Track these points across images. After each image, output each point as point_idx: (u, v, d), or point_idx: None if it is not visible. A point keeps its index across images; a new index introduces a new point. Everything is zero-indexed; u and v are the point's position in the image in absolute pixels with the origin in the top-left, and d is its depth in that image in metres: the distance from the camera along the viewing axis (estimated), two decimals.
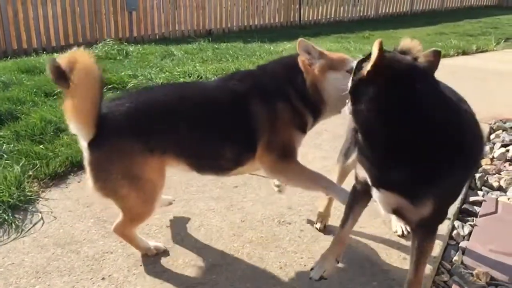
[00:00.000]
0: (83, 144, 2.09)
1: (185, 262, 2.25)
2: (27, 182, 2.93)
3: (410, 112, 1.54)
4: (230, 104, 2.21)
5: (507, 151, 3.51)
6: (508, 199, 2.89)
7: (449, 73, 6.41)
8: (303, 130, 2.31)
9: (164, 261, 2.26)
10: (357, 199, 1.99)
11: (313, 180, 2.26)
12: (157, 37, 10.31)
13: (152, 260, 2.26)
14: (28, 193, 2.82)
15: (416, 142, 1.57)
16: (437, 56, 1.71)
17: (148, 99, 2.22)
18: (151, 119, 2.10)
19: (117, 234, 2.27)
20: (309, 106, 2.27)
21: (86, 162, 2.10)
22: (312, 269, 2.03)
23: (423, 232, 1.82)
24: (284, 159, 2.23)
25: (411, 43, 1.78)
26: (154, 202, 2.16)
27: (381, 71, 1.52)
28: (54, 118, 3.80)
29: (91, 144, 2.05)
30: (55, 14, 8.82)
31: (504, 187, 3.04)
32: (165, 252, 2.33)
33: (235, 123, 2.20)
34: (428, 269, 2.20)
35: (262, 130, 2.19)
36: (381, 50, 1.51)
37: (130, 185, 2.07)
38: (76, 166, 3.18)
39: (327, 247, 2.31)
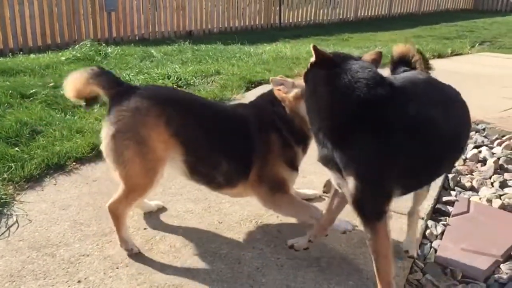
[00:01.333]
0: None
1: (162, 264, 2.25)
2: (2, 185, 2.89)
3: (329, 91, 1.80)
4: (236, 123, 2.43)
5: (479, 152, 3.60)
6: (480, 199, 2.97)
7: None
8: (294, 166, 2.49)
9: (141, 263, 2.26)
10: None
11: (304, 211, 2.45)
12: (137, 38, 10.25)
13: (128, 262, 2.26)
14: (3, 196, 2.78)
15: (338, 118, 1.77)
16: (379, 55, 2.01)
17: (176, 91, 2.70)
18: (176, 103, 2.35)
19: (110, 213, 2.31)
20: (296, 136, 2.44)
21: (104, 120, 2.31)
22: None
23: (362, 223, 1.84)
24: (276, 193, 2.41)
25: (404, 48, 1.92)
26: (154, 175, 2.25)
27: (317, 61, 1.86)
28: (30, 120, 3.76)
29: (114, 98, 2.27)
30: (32, 14, 8.70)
31: (476, 187, 3.12)
32: (138, 255, 2.33)
33: (236, 142, 2.40)
34: (402, 267, 2.26)
35: (257, 156, 2.38)
36: (315, 48, 1.85)
37: (135, 148, 2.19)
38: (52, 169, 3.15)
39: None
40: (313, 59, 1.88)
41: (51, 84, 4.77)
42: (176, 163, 2.35)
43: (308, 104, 1.96)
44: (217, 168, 2.36)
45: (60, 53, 6.56)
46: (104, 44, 7.39)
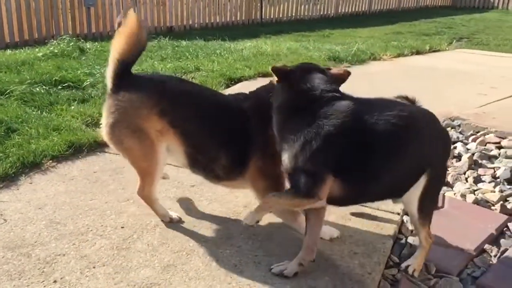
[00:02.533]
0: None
1: (139, 263, 2.24)
2: None
3: (284, 96, 2.19)
4: (235, 115, 2.42)
5: (455, 148, 3.67)
6: (454, 194, 3.03)
7: (404, 71, 6.63)
8: None
9: (117, 262, 2.25)
10: None
11: (293, 216, 2.45)
12: None
13: (105, 261, 2.25)
14: None
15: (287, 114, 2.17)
16: (346, 74, 2.22)
17: (174, 81, 2.68)
18: (173, 95, 2.41)
19: (140, 198, 2.54)
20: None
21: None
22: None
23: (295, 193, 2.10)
24: (273, 188, 2.32)
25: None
26: (154, 159, 2.40)
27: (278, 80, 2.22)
28: (5, 118, 3.70)
29: (112, 90, 2.40)
30: (9, 9, 8.52)
31: (451, 183, 3.18)
32: (180, 221, 2.58)
33: (235, 135, 2.40)
34: (377, 262, 2.30)
35: (256, 149, 2.36)
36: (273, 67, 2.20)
37: (132, 136, 2.36)
38: (27, 167, 3.11)
39: (282, 244, 2.43)
40: (275, 79, 2.22)
41: (28, 80, 4.69)
42: (177, 154, 2.45)
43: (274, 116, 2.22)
44: (216, 161, 2.41)
45: (37, 49, 6.44)
46: (83, 40, 7.27)
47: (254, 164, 2.37)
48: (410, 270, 2.29)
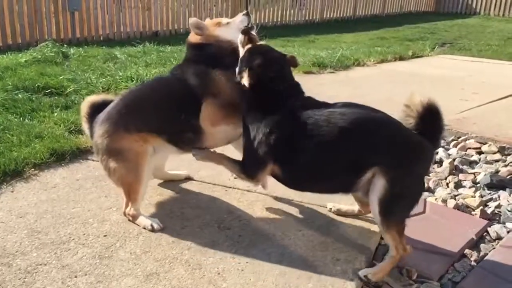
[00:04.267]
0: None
1: (121, 272, 2.23)
2: None
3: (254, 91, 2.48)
4: (177, 85, 2.71)
5: (436, 153, 3.72)
6: (436, 199, 3.07)
7: (387, 77, 6.71)
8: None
9: (100, 271, 2.23)
10: None
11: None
12: (102, 38, 10.06)
13: (87, 271, 2.23)
14: None
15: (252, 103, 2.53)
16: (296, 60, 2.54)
17: (126, 96, 2.82)
18: (127, 110, 2.66)
19: (126, 216, 2.67)
20: (228, 60, 2.64)
21: None
22: None
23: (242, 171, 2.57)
24: (227, 116, 2.66)
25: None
26: (138, 171, 2.58)
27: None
28: None
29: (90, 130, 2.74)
30: None
31: (432, 188, 3.22)
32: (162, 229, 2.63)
33: (189, 102, 2.64)
34: (359, 268, 2.32)
35: (202, 93, 2.63)
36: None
37: (116, 159, 2.59)
38: (9, 175, 3.07)
39: (265, 250, 2.44)
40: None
41: (10, 87, 4.64)
42: (161, 146, 2.69)
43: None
44: (185, 128, 2.65)
45: (20, 55, 6.38)
46: (66, 45, 7.24)
47: (204, 111, 2.63)
48: (361, 273, 2.26)
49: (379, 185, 2.19)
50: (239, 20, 2.81)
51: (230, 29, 2.77)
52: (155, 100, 2.73)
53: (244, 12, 2.86)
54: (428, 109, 2.28)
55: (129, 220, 2.65)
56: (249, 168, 2.48)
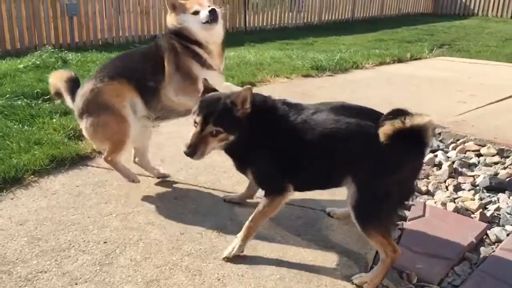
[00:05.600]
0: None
1: (122, 279, 2.24)
2: None
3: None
4: (154, 51, 3.14)
5: (435, 156, 3.73)
6: (435, 202, 3.07)
7: (385, 79, 6.72)
8: (202, 62, 3.10)
9: (100, 278, 2.24)
10: None
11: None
12: (100, 43, 10.09)
13: (88, 278, 2.23)
14: None
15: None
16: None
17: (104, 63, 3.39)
18: (104, 67, 3.16)
19: (106, 162, 3.06)
20: (189, 41, 3.09)
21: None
22: None
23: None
24: (185, 86, 3.06)
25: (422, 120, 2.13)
26: (125, 123, 2.95)
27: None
28: None
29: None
30: None
31: (431, 191, 3.22)
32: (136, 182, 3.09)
33: (155, 61, 3.07)
34: (359, 272, 2.32)
35: (169, 65, 3.06)
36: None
37: (102, 114, 2.93)
38: (9, 183, 3.08)
39: (266, 256, 2.45)
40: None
41: (9, 93, 4.64)
42: (134, 100, 3.01)
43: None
44: (156, 89, 3.04)
45: (18, 60, 6.38)
46: (65, 50, 7.24)
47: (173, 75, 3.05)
48: (354, 280, 2.27)
49: (351, 192, 2.25)
50: (203, 16, 3.07)
51: (193, 19, 3.09)
52: (128, 55, 3.30)
53: (210, 8, 3.07)
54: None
55: (110, 165, 3.06)
56: (276, 192, 2.44)
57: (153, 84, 3.04)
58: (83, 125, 2.99)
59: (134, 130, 3.00)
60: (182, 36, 3.10)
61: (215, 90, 2.48)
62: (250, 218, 2.45)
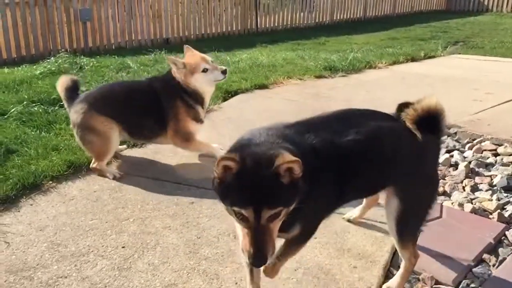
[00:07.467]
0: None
1: (140, 283, 2.26)
2: None
3: None
4: (150, 95, 3.51)
5: (451, 156, 3.70)
6: (452, 203, 3.05)
7: (399, 79, 6.67)
8: (198, 120, 3.60)
9: (119, 283, 2.27)
10: None
11: (206, 148, 3.68)
12: (113, 47, 10.17)
13: (107, 283, 2.26)
14: None
15: None
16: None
17: (103, 87, 3.90)
18: (103, 100, 3.49)
19: (92, 170, 3.44)
20: (193, 98, 3.55)
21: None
22: None
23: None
24: (187, 141, 3.59)
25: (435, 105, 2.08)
26: (108, 144, 3.40)
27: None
28: (5, 140, 3.72)
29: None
30: (5, 26, 8.57)
31: (448, 192, 3.19)
32: (122, 177, 3.38)
33: (153, 109, 3.49)
34: (377, 275, 2.32)
35: (169, 116, 3.51)
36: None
37: (89, 133, 3.39)
38: (28, 189, 3.13)
39: None
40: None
41: (26, 100, 4.71)
42: (120, 133, 3.46)
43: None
44: (144, 128, 3.53)
45: (34, 66, 6.47)
46: (80, 55, 7.29)
47: (171, 126, 3.51)
48: None
49: (393, 206, 2.12)
50: (213, 74, 3.55)
51: (202, 79, 3.53)
52: (125, 96, 3.53)
53: (223, 69, 3.56)
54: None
55: (95, 171, 3.43)
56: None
57: (149, 133, 3.58)
58: (75, 135, 3.49)
59: (116, 145, 3.52)
60: (189, 95, 3.52)
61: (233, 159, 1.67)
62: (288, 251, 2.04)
